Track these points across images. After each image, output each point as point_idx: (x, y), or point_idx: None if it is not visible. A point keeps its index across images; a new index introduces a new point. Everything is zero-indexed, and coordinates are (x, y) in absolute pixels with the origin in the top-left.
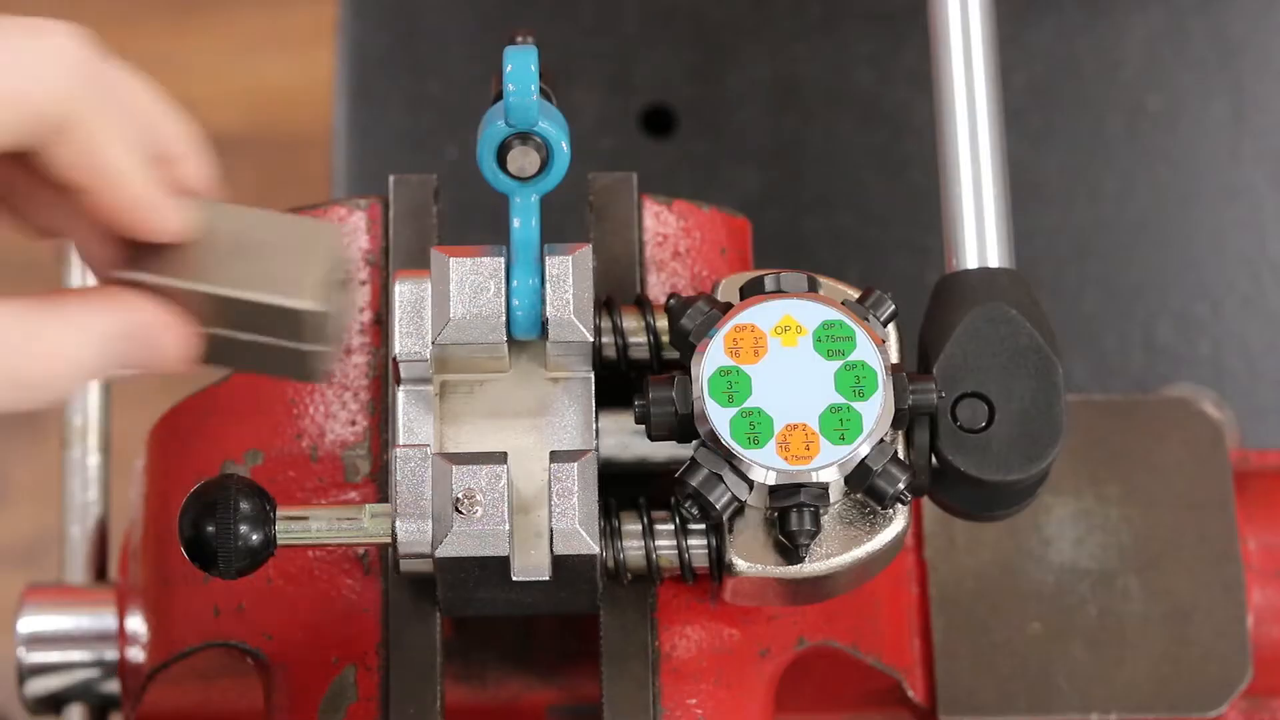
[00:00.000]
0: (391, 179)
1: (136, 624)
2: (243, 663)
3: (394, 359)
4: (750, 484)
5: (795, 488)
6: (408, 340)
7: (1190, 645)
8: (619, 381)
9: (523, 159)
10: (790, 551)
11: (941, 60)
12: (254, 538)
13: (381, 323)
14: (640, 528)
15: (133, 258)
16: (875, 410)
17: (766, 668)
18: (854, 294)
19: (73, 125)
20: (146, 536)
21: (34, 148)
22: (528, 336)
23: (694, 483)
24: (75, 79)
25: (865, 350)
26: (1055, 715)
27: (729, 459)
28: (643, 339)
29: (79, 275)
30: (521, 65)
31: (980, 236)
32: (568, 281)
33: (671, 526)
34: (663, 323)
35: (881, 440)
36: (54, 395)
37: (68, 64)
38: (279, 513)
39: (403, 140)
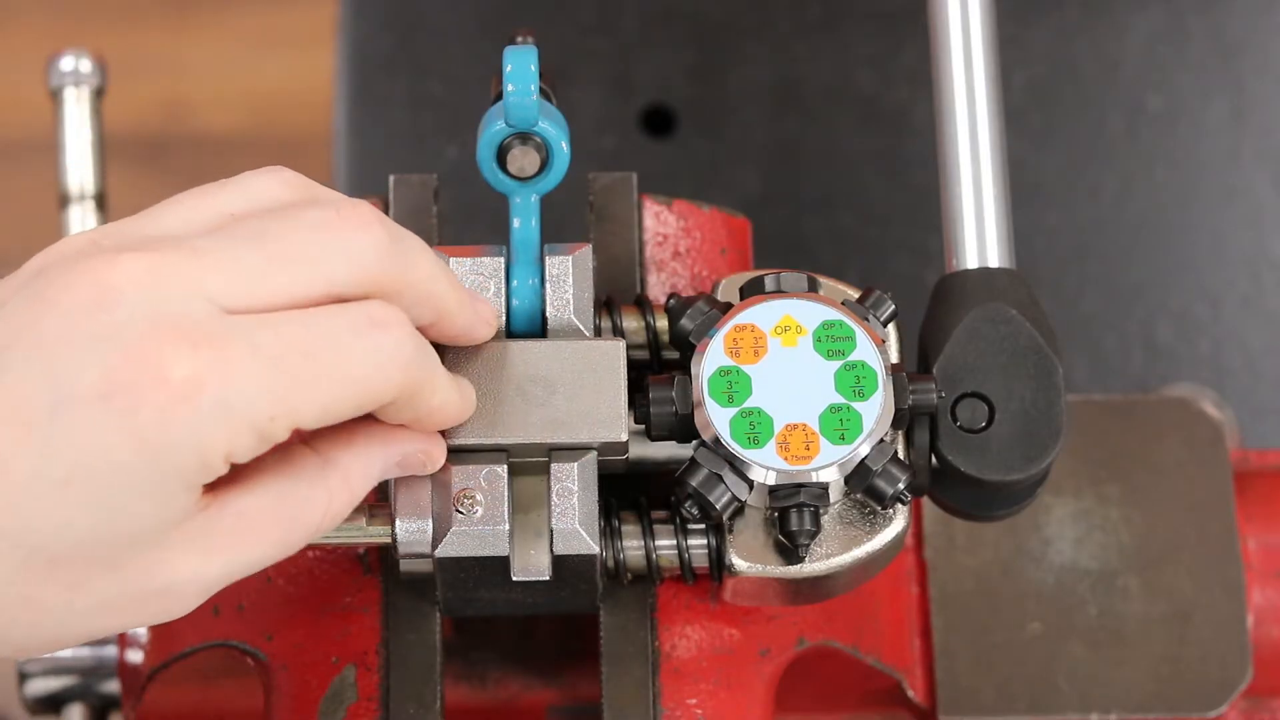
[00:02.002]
0: (391, 179)
1: None
2: (243, 663)
3: None
4: (750, 484)
5: (795, 488)
6: None
7: (1190, 645)
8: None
9: (523, 159)
10: (790, 551)
11: (941, 60)
12: None
13: None
14: (640, 528)
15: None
16: (875, 410)
17: (766, 668)
18: (854, 294)
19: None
20: None
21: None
22: None
23: (694, 483)
24: (409, 372)
25: (865, 350)
26: (1055, 715)
27: (729, 459)
28: (643, 339)
29: None
30: (521, 65)
31: (980, 236)
32: (568, 281)
33: (671, 526)
34: (663, 323)
35: (881, 440)
36: (324, 537)
37: (405, 356)
38: None
39: (403, 140)
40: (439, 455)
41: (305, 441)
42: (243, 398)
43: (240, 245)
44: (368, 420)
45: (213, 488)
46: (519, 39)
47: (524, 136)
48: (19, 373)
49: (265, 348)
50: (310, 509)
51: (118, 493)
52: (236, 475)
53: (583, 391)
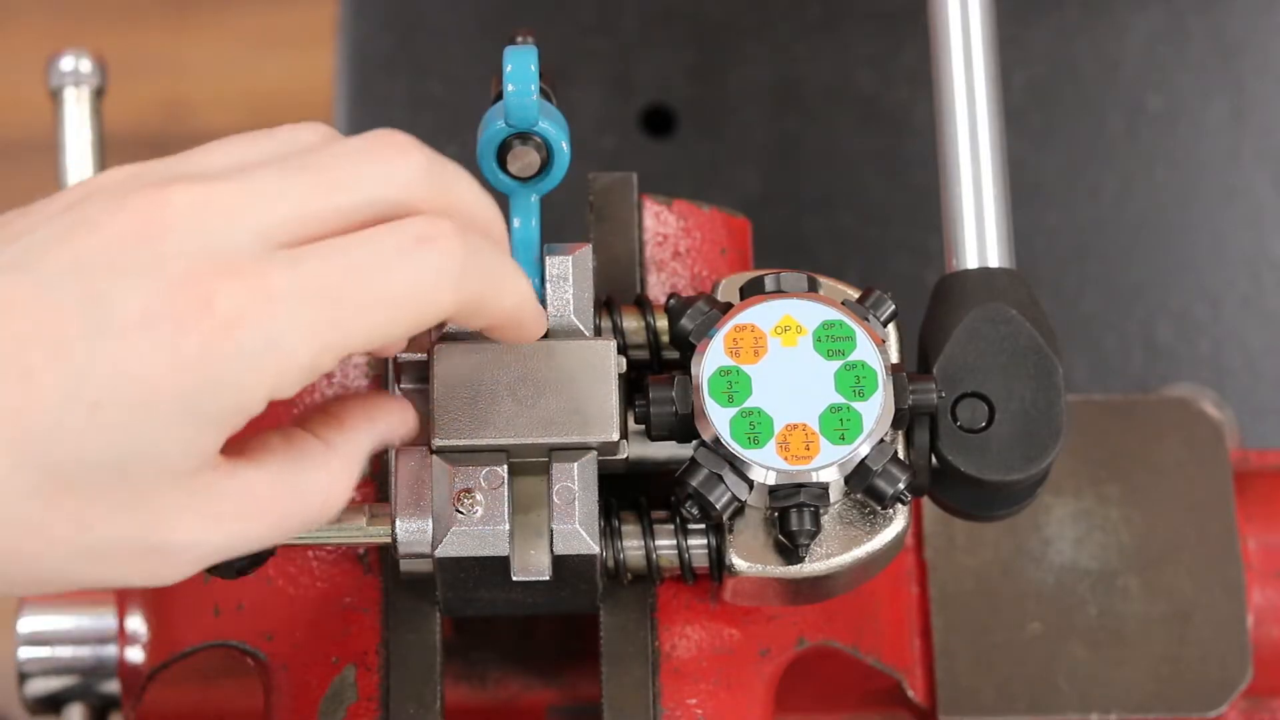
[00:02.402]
0: None
1: (136, 624)
2: (243, 663)
3: (394, 359)
4: (750, 484)
5: (795, 488)
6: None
7: (1190, 645)
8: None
9: (523, 159)
10: (790, 551)
11: (941, 60)
12: None
13: None
14: (640, 528)
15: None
16: (875, 410)
17: (766, 668)
18: (854, 294)
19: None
20: None
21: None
22: None
23: (694, 483)
24: (463, 284)
25: (865, 350)
26: (1055, 715)
27: (729, 459)
28: (643, 339)
29: None
30: (521, 65)
31: (980, 236)
32: (568, 281)
33: (671, 526)
34: (663, 323)
35: (881, 440)
36: (328, 518)
37: (456, 269)
38: None
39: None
40: (412, 432)
41: (302, 425)
42: (291, 331)
43: (284, 178)
44: (354, 399)
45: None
46: (519, 39)
47: (524, 136)
48: (57, 294)
49: (312, 278)
50: (312, 492)
51: (148, 422)
52: (244, 451)
53: (574, 391)
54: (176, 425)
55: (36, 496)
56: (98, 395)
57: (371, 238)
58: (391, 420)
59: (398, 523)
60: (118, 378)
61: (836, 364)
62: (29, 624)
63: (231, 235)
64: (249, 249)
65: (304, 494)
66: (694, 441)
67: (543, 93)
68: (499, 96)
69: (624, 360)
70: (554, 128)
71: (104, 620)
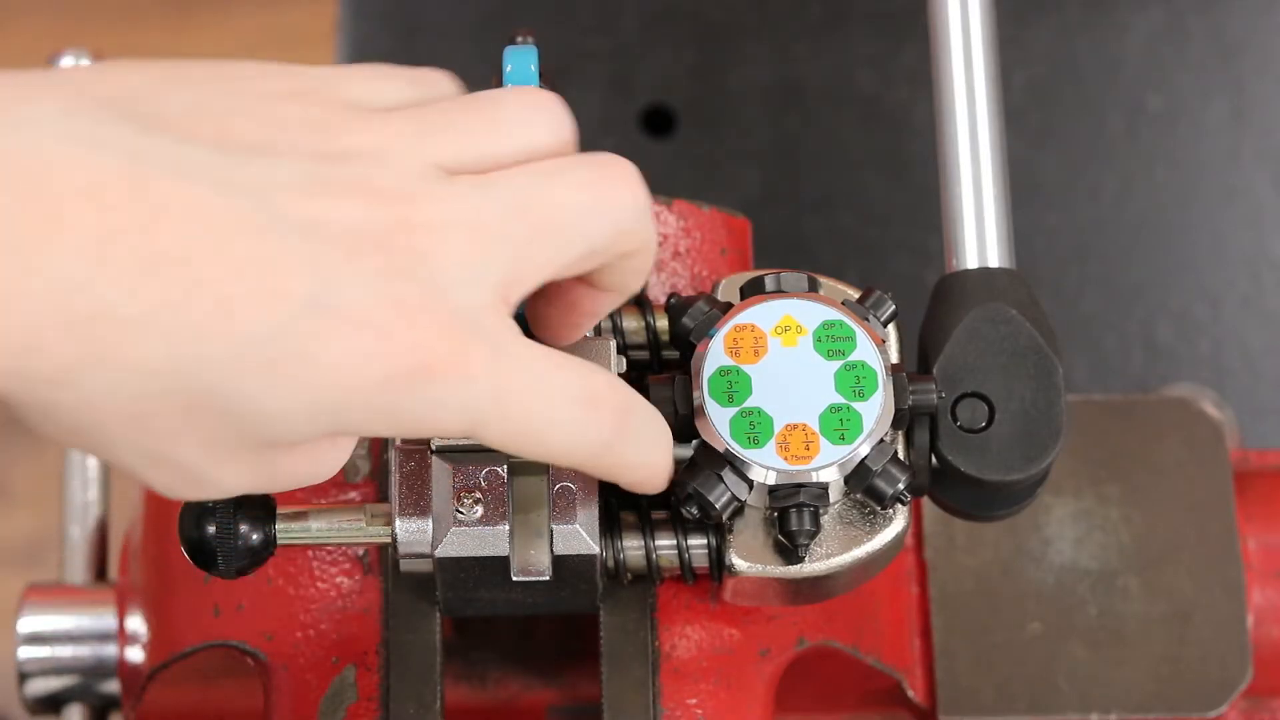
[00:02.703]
0: None
1: (136, 624)
2: (243, 663)
3: None
4: (750, 484)
5: (795, 488)
6: None
7: (1190, 645)
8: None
9: None
10: (790, 551)
11: (941, 60)
12: (254, 537)
13: None
14: (640, 528)
15: None
16: (875, 410)
17: (766, 668)
18: (854, 294)
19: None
20: (146, 536)
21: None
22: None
23: (693, 482)
24: (642, 219)
25: (865, 350)
26: (1055, 715)
27: (729, 459)
28: (643, 339)
29: None
30: (521, 65)
31: (980, 236)
32: None
33: (671, 526)
34: (662, 323)
35: (881, 440)
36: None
37: (640, 209)
38: (279, 512)
39: None
40: None
41: None
42: (488, 255)
43: (459, 114)
44: None
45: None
46: (519, 39)
47: None
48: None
49: (500, 203)
50: None
51: (397, 330)
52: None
53: None
54: (428, 329)
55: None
56: (338, 304)
57: (561, 167)
58: None
59: (398, 523)
60: (364, 293)
61: (836, 364)
62: (29, 624)
63: (422, 165)
64: (440, 176)
65: None
66: (694, 441)
67: None
68: None
69: (624, 360)
70: None
71: (104, 620)
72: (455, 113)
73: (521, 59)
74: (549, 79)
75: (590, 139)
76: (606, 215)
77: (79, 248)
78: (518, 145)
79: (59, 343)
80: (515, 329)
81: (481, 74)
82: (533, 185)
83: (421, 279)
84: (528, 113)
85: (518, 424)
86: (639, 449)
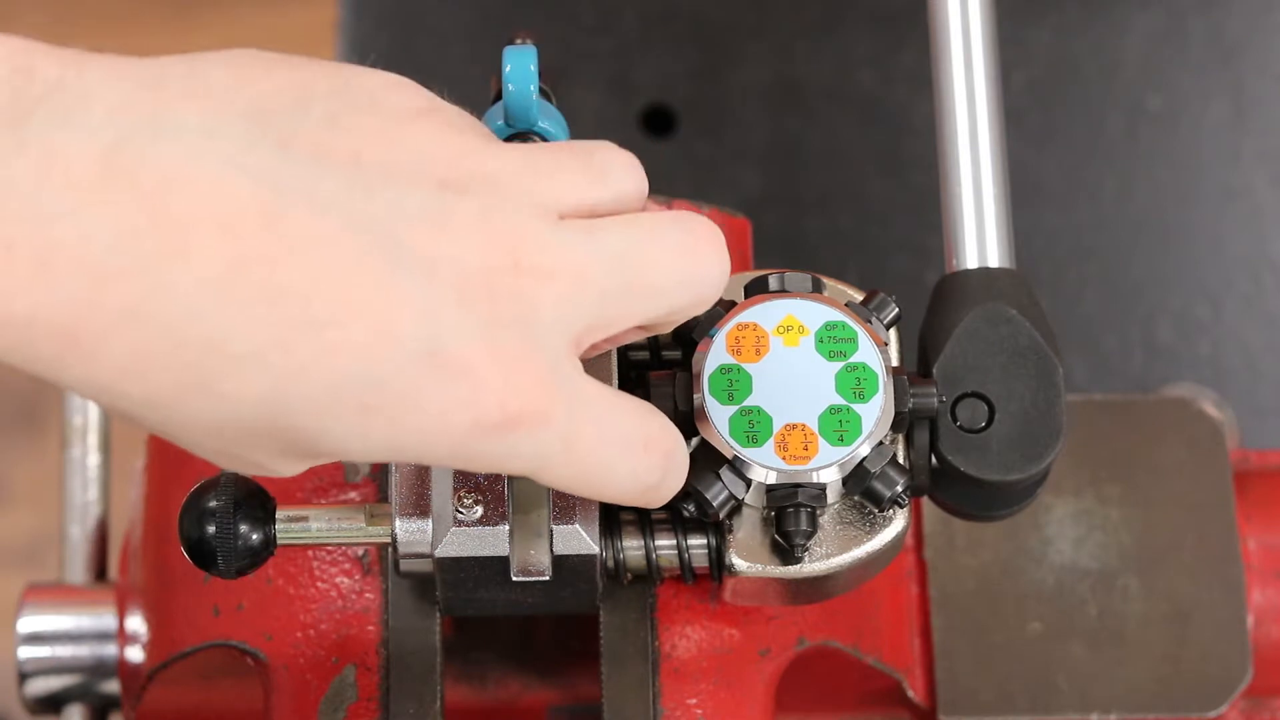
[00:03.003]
0: None
1: (136, 624)
2: (243, 663)
3: None
4: (748, 483)
5: (793, 488)
6: None
7: (1190, 645)
8: (619, 382)
9: None
10: (789, 551)
11: (941, 60)
12: (254, 538)
13: None
14: (640, 528)
15: None
16: (875, 412)
17: (766, 668)
18: (858, 296)
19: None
20: (146, 536)
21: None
22: None
23: (692, 480)
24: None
25: (867, 352)
26: (1055, 715)
27: (727, 457)
28: (643, 339)
29: None
30: (521, 65)
31: (980, 236)
32: None
33: (671, 526)
34: None
35: (881, 443)
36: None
37: (721, 273)
38: (279, 513)
39: None
40: None
41: None
42: (582, 303)
43: (566, 157)
44: None
45: None
46: (519, 40)
47: (524, 136)
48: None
49: (603, 254)
50: None
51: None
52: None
53: None
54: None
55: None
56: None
57: (655, 221)
58: None
59: (398, 523)
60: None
61: (838, 365)
62: (29, 624)
63: (533, 206)
64: (548, 220)
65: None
66: (693, 439)
67: (542, 93)
68: (498, 96)
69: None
70: (554, 128)
71: (104, 620)
72: (563, 155)
73: (521, 59)
74: (549, 79)
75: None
76: (696, 286)
77: (204, 277)
78: (614, 195)
79: (163, 370)
80: (581, 368)
81: (481, 74)
82: (635, 241)
83: (521, 326)
84: (621, 161)
85: (581, 469)
86: (677, 486)
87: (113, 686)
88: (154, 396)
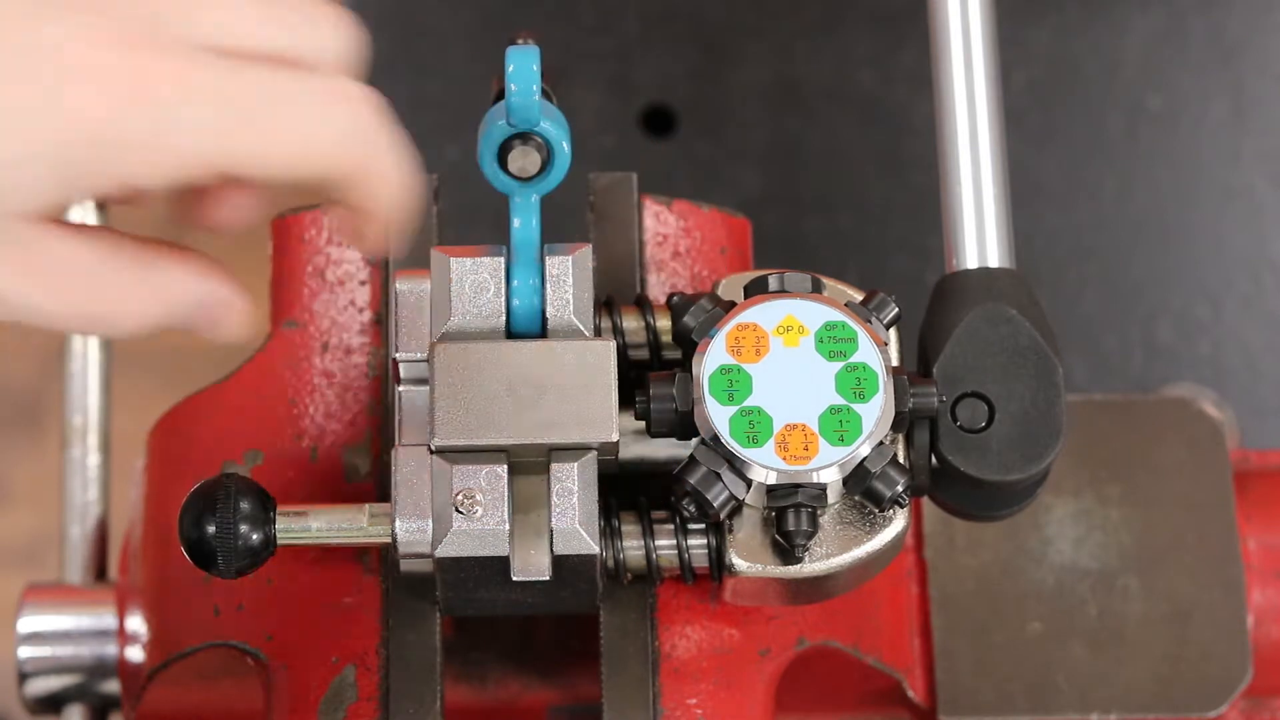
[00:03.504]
0: None
1: (136, 624)
2: (243, 663)
3: (394, 359)
4: (748, 483)
5: (793, 488)
6: (407, 340)
7: (1190, 645)
8: (619, 382)
9: (523, 159)
10: (789, 551)
11: (941, 60)
12: (254, 537)
13: (381, 323)
14: (640, 528)
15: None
16: (875, 413)
17: (766, 668)
18: (858, 296)
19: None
20: (146, 536)
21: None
22: None
23: (692, 480)
24: (366, 145)
25: (867, 352)
26: (1055, 715)
27: (727, 457)
28: (643, 339)
29: None
30: (523, 65)
31: (980, 236)
32: (568, 281)
33: (671, 526)
34: (663, 323)
35: (881, 443)
36: (115, 334)
37: (362, 137)
38: (279, 512)
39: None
40: (233, 321)
41: (145, 243)
42: (193, 126)
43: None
44: (198, 253)
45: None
46: (520, 40)
47: (525, 136)
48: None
49: (234, 87)
50: (115, 297)
51: (17, 152)
52: (82, 229)
53: (573, 392)
54: (38, 166)
55: None
56: None
57: (301, 75)
58: (221, 292)
59: (398, 523)
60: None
61: (838, 365)
62: (29, 624)
63: (186, 23)
64: (185, 42)
65: (107, 295)
66: (693, 439)
67: (544, 93)
68: (500, 96)
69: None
70: (555, 128)
71: (104, 620)
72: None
73: (523, 59)
74: (550, 79)
75: (590, 139)
76: (337, 146)
77: None
78: (291, 42)
79: None
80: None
81: (482, 74)
82: (276, 90)
83: (99, 119)
84: (321, 14)
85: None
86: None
87: (113, 686)
88: None
